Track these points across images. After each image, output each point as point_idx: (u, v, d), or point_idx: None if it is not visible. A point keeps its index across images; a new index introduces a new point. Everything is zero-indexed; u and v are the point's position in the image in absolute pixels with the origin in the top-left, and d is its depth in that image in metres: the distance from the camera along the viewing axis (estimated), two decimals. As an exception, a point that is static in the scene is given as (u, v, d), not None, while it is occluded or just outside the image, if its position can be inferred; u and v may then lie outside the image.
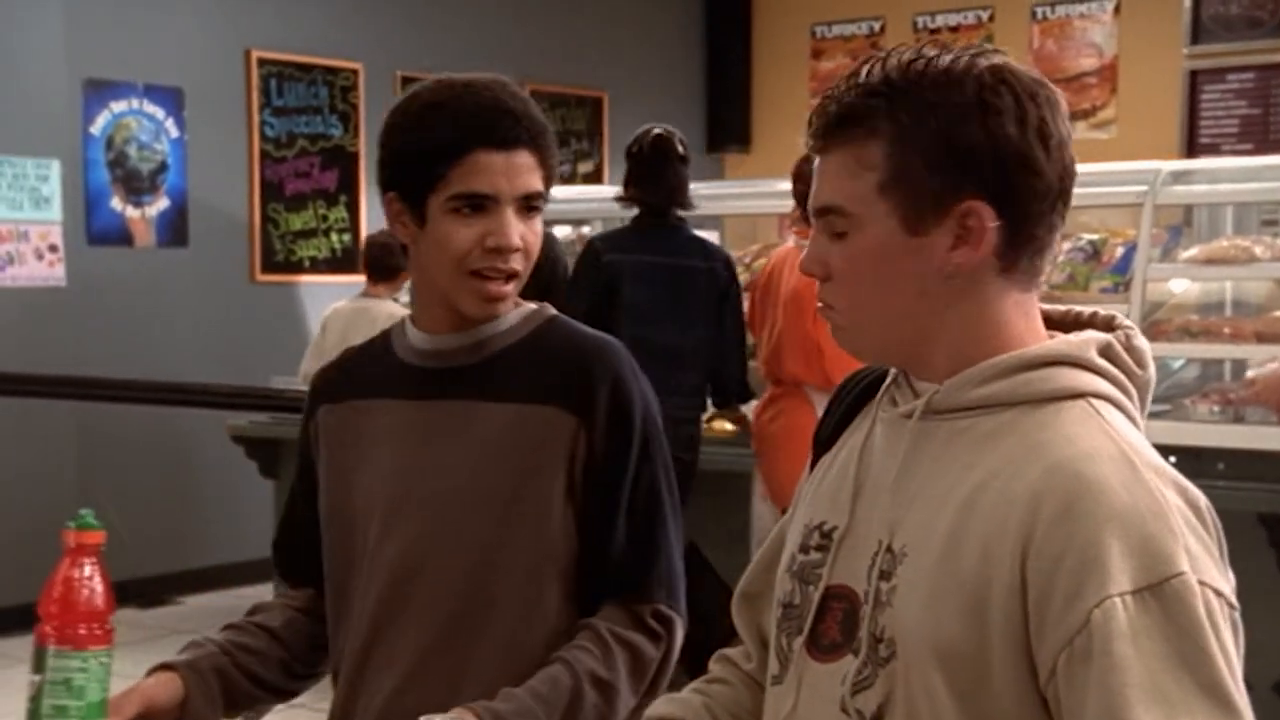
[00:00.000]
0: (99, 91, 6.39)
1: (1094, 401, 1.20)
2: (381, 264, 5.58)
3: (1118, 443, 1.17)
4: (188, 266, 6.53)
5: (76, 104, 6.28)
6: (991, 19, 8.39)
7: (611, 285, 4.13)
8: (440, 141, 1.58)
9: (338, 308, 5.69)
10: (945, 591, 1.16)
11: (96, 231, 6.38)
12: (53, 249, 6.03)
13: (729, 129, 8.77)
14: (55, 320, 5.99)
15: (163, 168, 6.59)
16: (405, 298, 5.48)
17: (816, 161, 1.26)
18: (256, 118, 6.86)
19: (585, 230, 5.80)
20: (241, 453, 5.60)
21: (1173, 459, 1.35)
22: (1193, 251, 4.37)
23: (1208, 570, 1.12)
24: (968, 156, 1.19)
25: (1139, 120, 7.82)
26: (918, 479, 1.22)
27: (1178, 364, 4.46)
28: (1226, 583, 1.14)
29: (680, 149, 4.20)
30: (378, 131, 1.69)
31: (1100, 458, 1.15)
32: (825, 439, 1.38)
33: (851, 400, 1.38)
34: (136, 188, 6.53)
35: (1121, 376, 1.23)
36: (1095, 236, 4.59)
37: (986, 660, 1.14)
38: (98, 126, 6.40)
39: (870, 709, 1.20)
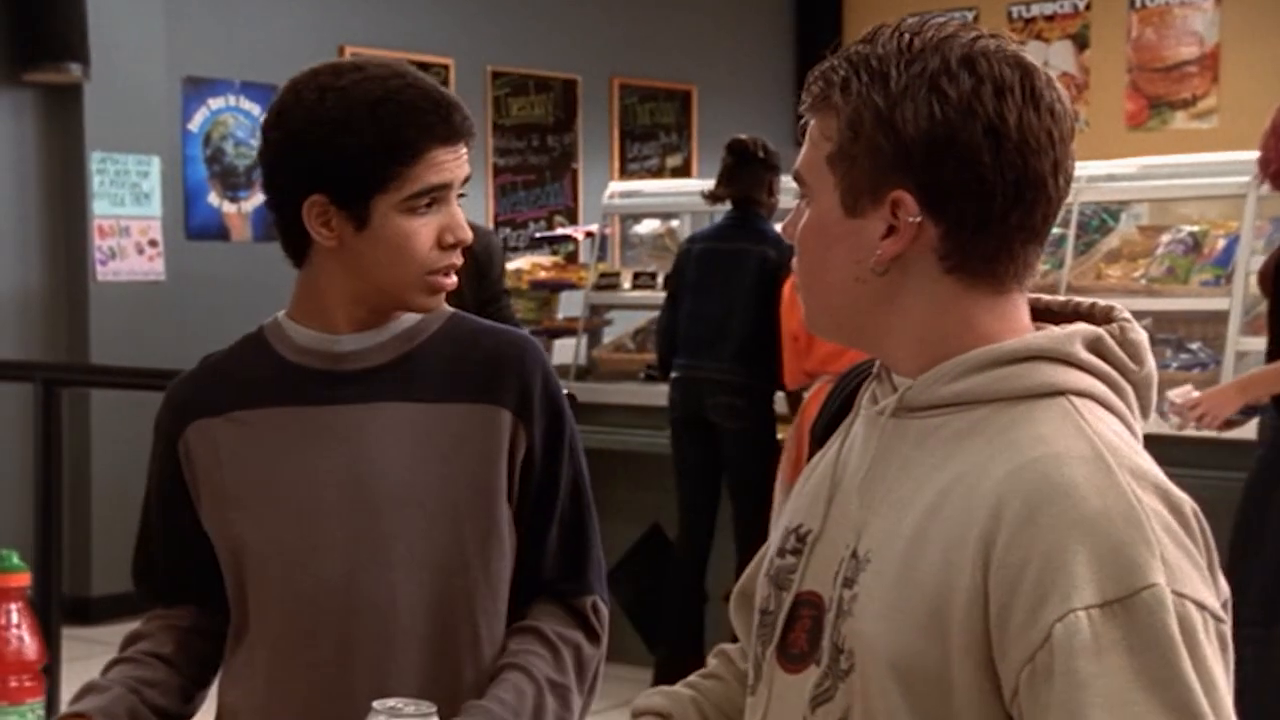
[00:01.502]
0: (197, 89, 6.51)
1: (1074, 399, 1.11)
2: None
3: (1094, 443, 1.07)
4: (283, 261, 6.59)
5: (176, 101, 6.39)
6: (1088, 8, 8.25)
7: (680, 267, 4.84)
8: (398, 138, 1.48)
9: None
10: (904, 601, 1.08)
11: (195, 226, 6.50)
12: (153, 244, 6.15)
13: (820, 121, 8.75)
14: (155, 314, 6.10)
15: (258, 164, 6.67)
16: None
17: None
18: (350, 113, 6.93)
19: (674, 224, 5.79)
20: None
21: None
22: (1298, 244, 4.25)
23: (1188, 581, 1.03)
24: (903, 145, 1.09)
25: (1241, 110, 7.63)
26: (886, 480, 1.14)
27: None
28: (1213, 594, 1.05)
29: (760, 152, 4.71)
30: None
31: (1071, 459, 1.06)
32: (820, 435, 1.31)
33: (847, 395, 1.31)
34: (233, 183, 6.64)
35: (1112, 372, 1.13)
36: (1196, 228, 4.49)
37: (947, 676, 1.06)
38: (196, 123, 6.51)
39: None
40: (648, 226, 5.97)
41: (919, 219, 1.11)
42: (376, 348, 1.59)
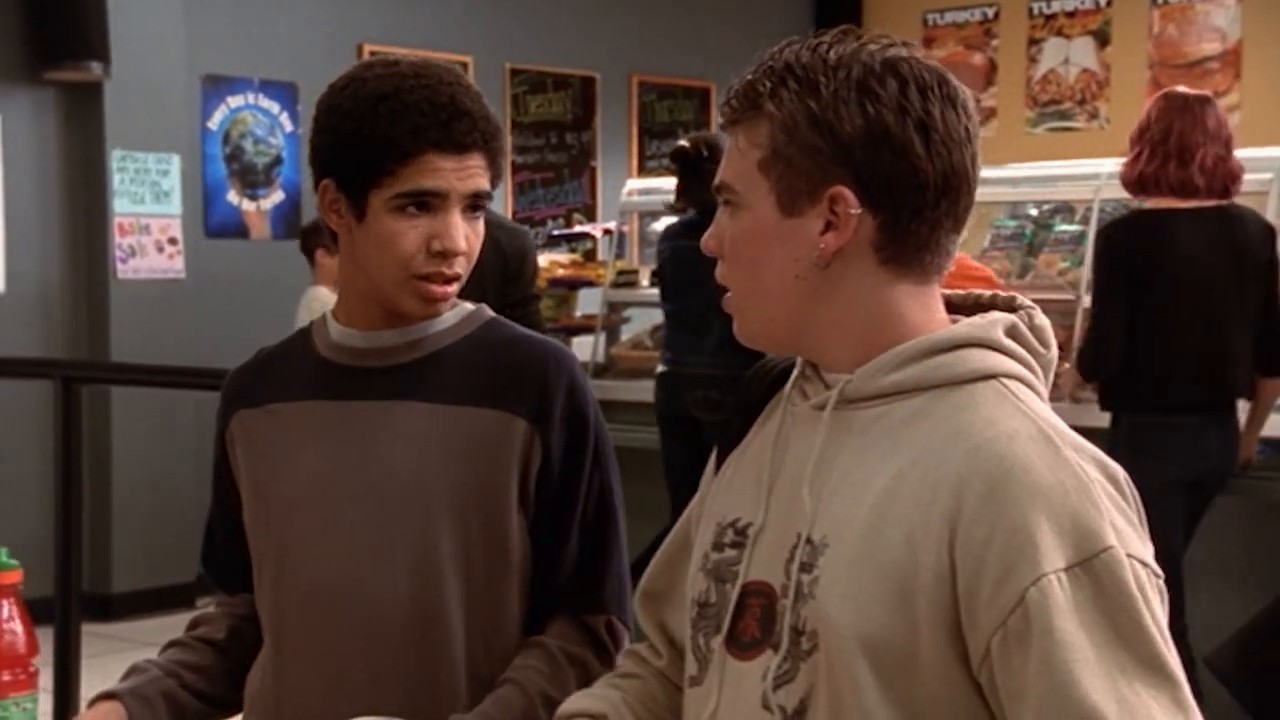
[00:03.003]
0: (216, 87, 6.52)
1: (1005, 381, 1.20)
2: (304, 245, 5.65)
3: (1036, 422, 1.16)
4: (301, 258, 6.64)
5: (195, 99, 6.41)
6: (1109, 4, 8.21)
7: (660, 267, 4.90)
8: (391, 137, 1.49)
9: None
10: (869, 580, 1.14)
11: (214, 224, 6.51)
12: (172, 241, 6.16)
13: (839, 118, 8.73)
14: (175, 311, 6.12)
15: (277, 161, 6.70)
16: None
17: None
18: (369, 111, 6.93)
19: (693, 221, 5.78)
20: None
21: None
22: (1321, 240, 4.22)
23: (1132, 542, 1.13)
24: (841, 142, 1.18)
25: (1264, 106, 7.59)
26: (836, 470, 1.20)
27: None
28: (1148, 552, 1.15)
29: (704, 151, 4.64)
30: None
31: (1021, 437, 1.14)
32: (733, 434, 1.35)
33: (761, 393, 1.36)
34: (252, 181, 6.65)
35: (1027, 356, 1.23)
36: (1217, 225, 4.45)
37: (913, 647, 1.13)
38: (215, 121, 6.53)
39: (792, 703, 1.18)
40: (666, 224, 5.97)
41: (859, 211, 1.19)
42: (404, 346, 1.59)
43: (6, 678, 1.44)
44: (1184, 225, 3.70)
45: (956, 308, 1.28)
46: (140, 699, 1.57)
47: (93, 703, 1.56)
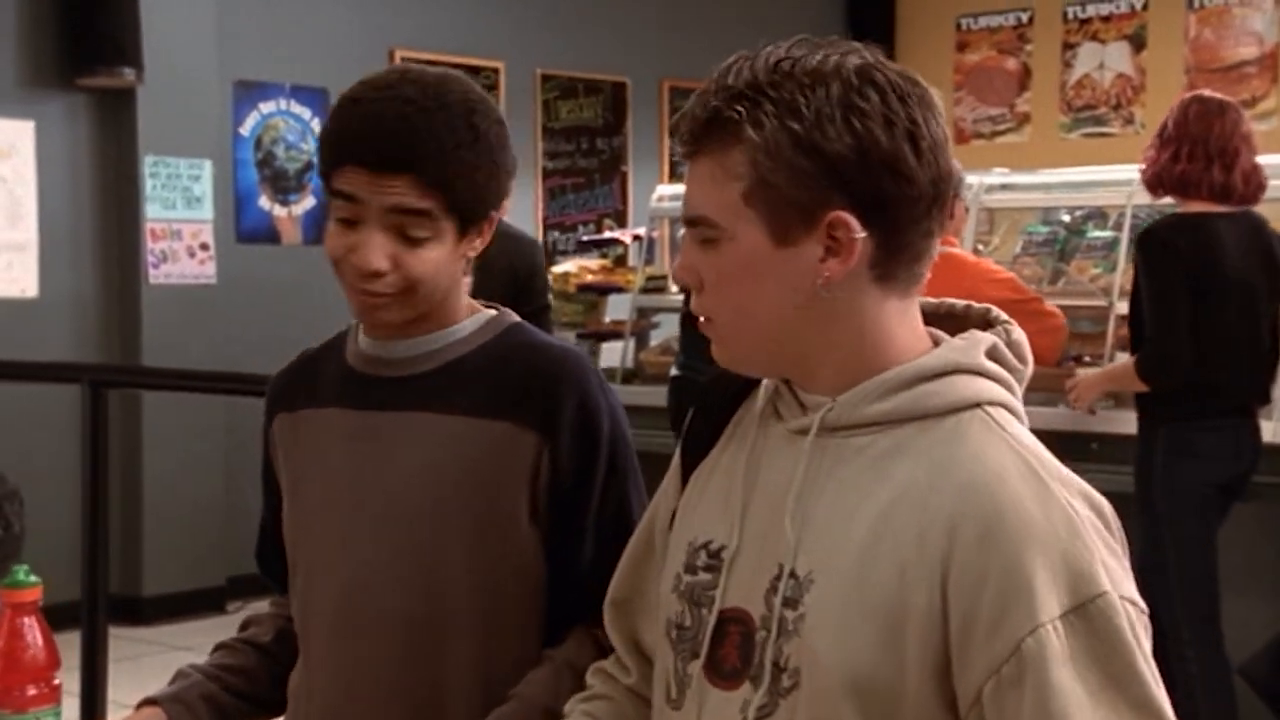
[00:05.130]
0: (248, 93, 6.54)
1: (989, 410, 1.17)
2: None
3: (1024, 456, 1.14)
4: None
5: (227, 105, 6.43)
6: (1145, 8, 8.15)
7: None
8: (326, 140, 1.52)
9: None
10: (858, 618, 1.12)
11: (245, 230, 6.53)
12: (204, 247, 6.19)
13: (870, 124, 8.69)
14: (206, 316, 6.14)
15: (308, 167, 6.71)
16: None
17: (687, 167, 1.20)
18: (400, 117, 6.94)
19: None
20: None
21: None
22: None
23: (1122, 582, 1.11)
24: (832, 164, 1.12)
25: (1301, 111, 7.51)
26: (822, 501, 1.17)
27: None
28: (1133, 586, 1.13)
29: None
30: (519, 129, 1.65)
31: (1011, 476, 1.12)
32: (700, 443, 1.32)
33: (725, 402, 1.32)
34: (283, 187, 6.67)
35: (1008, 376, 1.21)
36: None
37: (900, 688, 1.11)
38: (247, 127, 6.55)
39: None
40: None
41: (863, 235, 1.14)
42: (424, 355, 1.58)
43: (32, 692, 1.47)
44: (1224, 229, 3.70)
45: (929, 317, 1.24)
46: (182, 703, 1.60)
47: (137, 708, 1.58)
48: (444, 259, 1.52)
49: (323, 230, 1.58)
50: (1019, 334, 1.23)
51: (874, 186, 1.13)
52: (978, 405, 1.17)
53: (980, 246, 4.94)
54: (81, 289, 5.99)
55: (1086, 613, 1.08)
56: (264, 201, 6.61)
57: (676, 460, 1.36)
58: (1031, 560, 1.08)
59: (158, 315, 6.01)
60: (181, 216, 6.10)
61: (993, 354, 1.20)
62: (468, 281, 1.62)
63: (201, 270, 6.18)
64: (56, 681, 1.49)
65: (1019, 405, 1.21)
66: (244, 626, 1.74)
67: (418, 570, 1.53)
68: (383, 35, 6.93)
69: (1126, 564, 1.14)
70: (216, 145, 6.27)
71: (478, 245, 1.56)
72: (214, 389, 4.87)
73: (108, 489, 3.61)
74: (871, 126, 1.13)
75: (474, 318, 1.61)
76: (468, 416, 1.54)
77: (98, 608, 3.65)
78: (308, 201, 6.73)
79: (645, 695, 1.35)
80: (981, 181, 4.98)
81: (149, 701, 1.60)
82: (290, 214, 6.69)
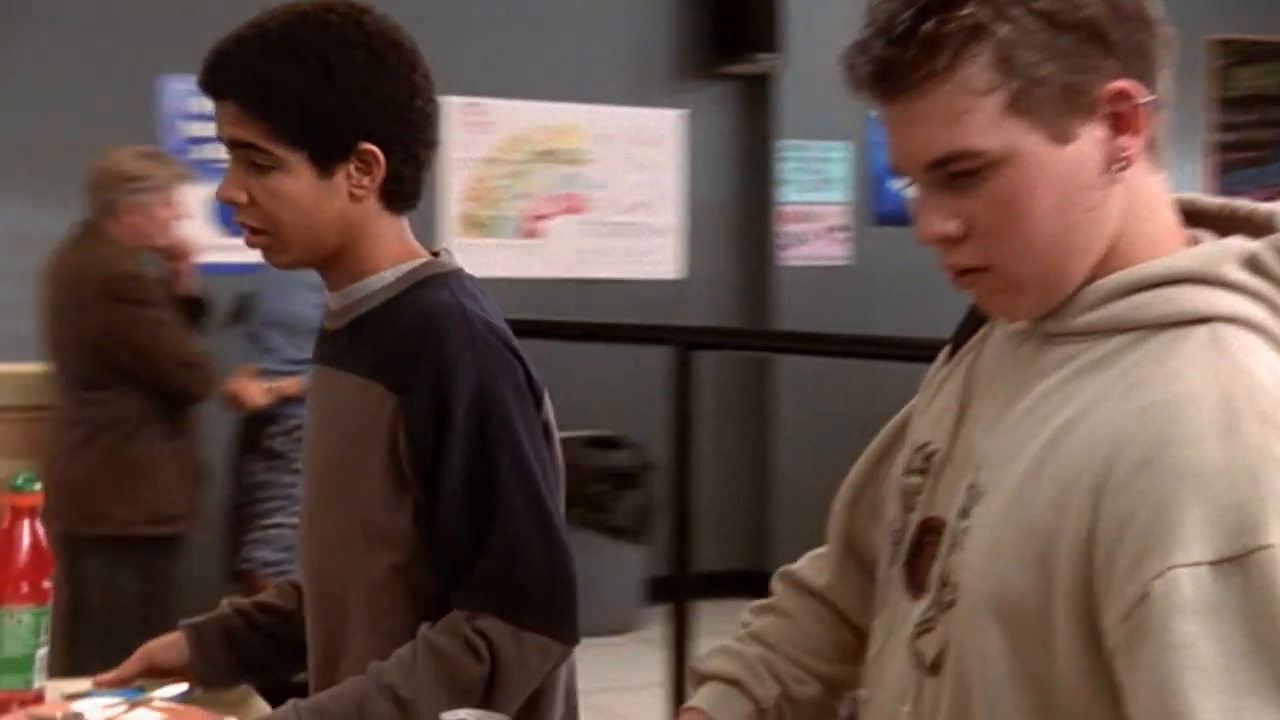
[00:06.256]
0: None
1: (1222, 327, 1.02)
2: None
3: (1233, 383, 0.98)
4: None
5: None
6: None
7: None
8: None
9: None
10: (1013, 537, 1.03)
11: (882, 212, 6.54)
12: (841, 229, 6.27)
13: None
14: (838, 297, 6.22)
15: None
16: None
17: (882, 114, 1.09)
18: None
19: None
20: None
21: None
22: None
23: None
24: (1094, 30, 1.02)
25: None
26: (1012, 410, 1.08)
27: None
28: None
29: None
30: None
31: (1200, 403, 0.97)
32: (962, 331, 1.23)
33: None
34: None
35: (1272, 293, 1.03)
36: None
37: (1050, 621, 1.01)
38: (883, 109, 6.56)
39: (930, 654, 1.10)
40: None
41: (1151, 96, 1.04)
42: (340, 310, 1.56)
43: (25, 589, 1.57)
44: None
45: (1208, 220, 1.11)
46: (199, 633, 1.68)
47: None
48: (302, 192, 1.46)
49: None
50: None
51: (1135, 42, 1.04)
52: (1207, 320, 1.03)
53: None
54: (717, 270, 6.26)
55: (1244, 565, 0.93)
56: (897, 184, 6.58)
57: (945, 351, 1.29)
58: (1186, 497, 0.95)
59: (789, 295, 6.16)
60: (816, 199, 6.20)
61: (1253, 264, 1.04)
62: (402, 225, 1.54)
63: (835, 252, 6.26)
64: (46, 585, 1.60)
65: (1278, 328, 1.03)
66: None
67: (321, 537, 1.55)
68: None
69: None
70: (853, 128, 6.31)
71: (366, 183, 1.47)
72: (798, 350, 4.93)
73: (692, 450, 3.72)
74: None
75: (396, 267, 1.53)
76: (357, 376, 1.50)
77: (684, 576, 3.79)
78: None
79: (835, 600, 1.32)
80: None
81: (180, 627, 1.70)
82: (922, 195, 6.62)
